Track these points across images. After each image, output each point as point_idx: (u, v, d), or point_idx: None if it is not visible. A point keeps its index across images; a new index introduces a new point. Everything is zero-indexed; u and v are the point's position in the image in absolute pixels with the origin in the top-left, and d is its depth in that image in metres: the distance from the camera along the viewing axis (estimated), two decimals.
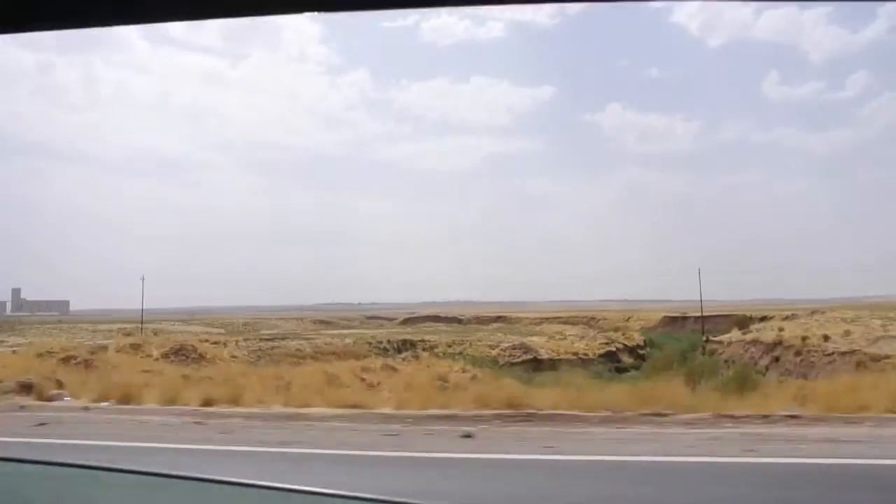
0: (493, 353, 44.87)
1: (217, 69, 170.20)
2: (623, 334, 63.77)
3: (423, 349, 45.27)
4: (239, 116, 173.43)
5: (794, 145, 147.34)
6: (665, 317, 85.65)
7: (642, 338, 63.74)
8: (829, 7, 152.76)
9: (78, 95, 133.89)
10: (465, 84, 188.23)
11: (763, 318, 58.28)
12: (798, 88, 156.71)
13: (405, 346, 48.04)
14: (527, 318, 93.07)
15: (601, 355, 49.02)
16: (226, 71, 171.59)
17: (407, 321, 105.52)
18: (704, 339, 49.56)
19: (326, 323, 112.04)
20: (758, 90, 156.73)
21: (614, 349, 53.07)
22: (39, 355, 23.10)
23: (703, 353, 41.91)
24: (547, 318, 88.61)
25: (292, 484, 1.62)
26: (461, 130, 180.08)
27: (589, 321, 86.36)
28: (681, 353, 42.06)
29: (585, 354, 47.66)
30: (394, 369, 22.23)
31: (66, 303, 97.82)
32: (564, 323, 79.95)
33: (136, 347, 34.17)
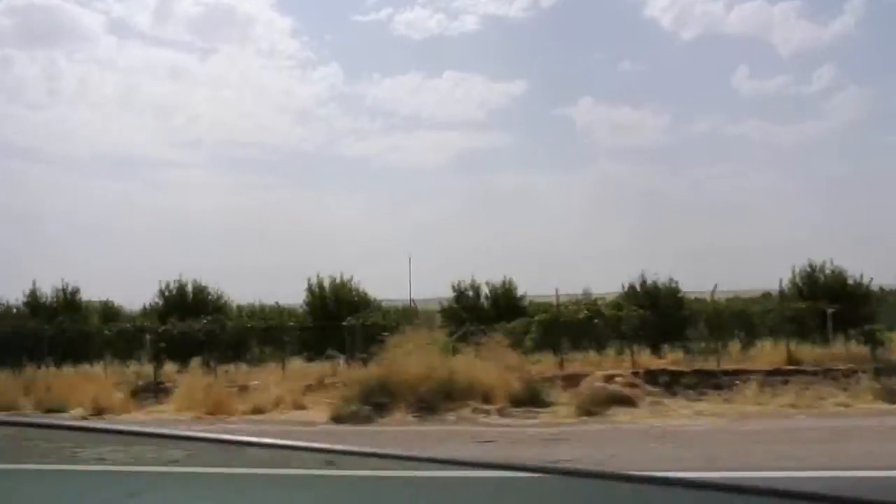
0: None
1: (185, 64, 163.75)
2: None
3: None
4: (208, 113, 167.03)
5: (762, 138, 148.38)
6: None
7: None
8: (798, 1, 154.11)
9: (40, 92, 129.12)
10: (437, 79, 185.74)
11: None
12: (767, 82, 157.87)
13: None
14: None
15: None
16: (194, 66, 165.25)
17: None
18: None
19: None
20: (728, 83, 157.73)
21: None
22: None
23: None
24: None
25: None
26: (434, 126, 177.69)
27: None
28: None
29: None
30: None
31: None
32: None
33: None
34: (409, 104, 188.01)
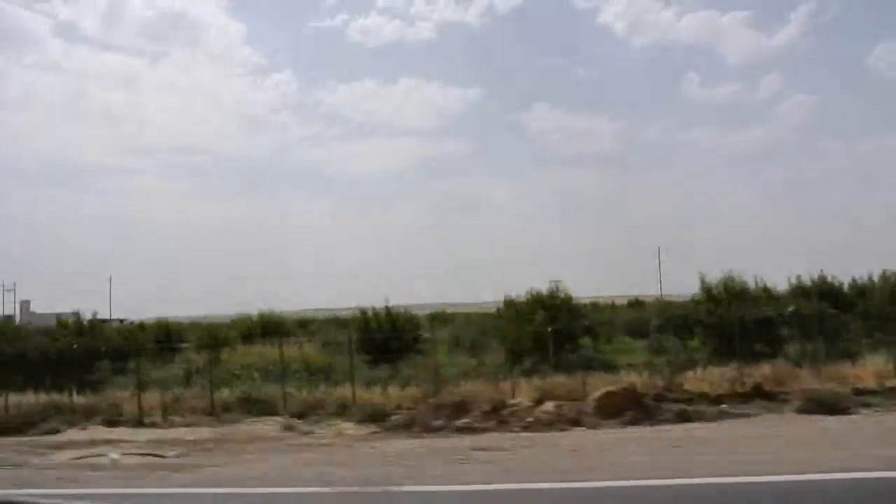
0: None
1: (135, 70, 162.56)
2: None
3: None
4: (158, 119, 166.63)
5: (712, 144, 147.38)
6: None
7: None
8: (746, 11, 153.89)
9: None
10: (393, 85, 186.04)
11: None
12: (716, 90, 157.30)
13: None
14: None
15: None
16: (144, 72, 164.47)
17: None
18: None
19: None
20: (678, 91, 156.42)
21: None
22: None
23: None
24: None
25: None
26: (389, 132, 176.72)
27: None
28: None
29: None
30: None
31: (78, 314, 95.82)
32: None
33: None
34: (364, 111, 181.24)
